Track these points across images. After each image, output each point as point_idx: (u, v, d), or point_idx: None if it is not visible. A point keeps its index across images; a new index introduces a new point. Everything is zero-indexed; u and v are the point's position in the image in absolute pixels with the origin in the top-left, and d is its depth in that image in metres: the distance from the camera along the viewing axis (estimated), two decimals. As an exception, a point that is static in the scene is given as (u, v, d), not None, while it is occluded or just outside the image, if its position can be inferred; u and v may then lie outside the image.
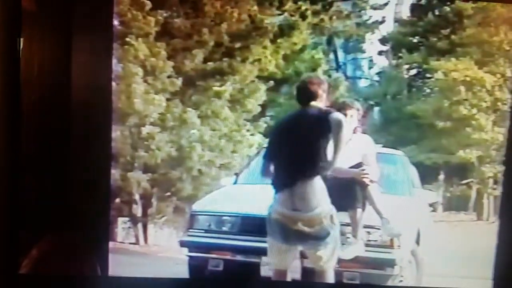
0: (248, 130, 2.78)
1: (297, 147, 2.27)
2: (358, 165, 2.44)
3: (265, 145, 2.69)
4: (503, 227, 2.30)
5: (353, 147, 2.47)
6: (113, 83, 2.59)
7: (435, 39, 2.85)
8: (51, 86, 2.11)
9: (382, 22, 2.73)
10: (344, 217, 2.45)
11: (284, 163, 2.30)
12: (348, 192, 2.42)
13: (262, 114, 2.77)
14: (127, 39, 2.58)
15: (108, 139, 2.25)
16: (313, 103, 2.26)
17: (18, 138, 2.05)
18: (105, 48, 2.19)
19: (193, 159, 2.77)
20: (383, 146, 2.59)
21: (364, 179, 2.42)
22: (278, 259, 2.33)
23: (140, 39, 2.60)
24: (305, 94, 2.27)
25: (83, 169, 2.15)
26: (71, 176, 2.14)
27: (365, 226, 2.47)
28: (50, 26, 2.08)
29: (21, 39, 2.01)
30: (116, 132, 2.66)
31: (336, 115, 2.24)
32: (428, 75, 2.91)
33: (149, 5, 2.57)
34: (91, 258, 1.73)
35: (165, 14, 2.61)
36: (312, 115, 2.26)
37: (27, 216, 2.07)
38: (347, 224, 2.46)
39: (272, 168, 2.33)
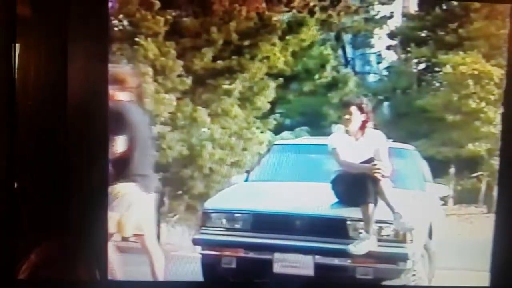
0: (258, 128, 2.78)
1: None
2: (370, 160, 2.44)
3: (275, 142, 2.71)
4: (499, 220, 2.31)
5: (364, 142, 2.47)
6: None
7: (442, 33, 2.84)
8: (47, 91, 2.11)
9: (390, 17, 2.73)
10: (357, 212, 2.45)
11: None
12: (360, 188, 2.42)
13: (271, 111, 2.77)
14: (137, 39, 2.59)
15: (105, 143, 2.24)
16: None
17: (14, 143, 2.04)
18: (101, 53, 2.19)
19: (204, 158, 2.77)
20: (393, 141, 2.59)
21: (376, 174, 2.42)
22: None
23: (149, 38, 2.60)
24: None
25: (80, 173, 2.15)
26: (68, 181, 2.14)
27: (377, 221, 2.46)
28: (45, 31, 2.08)
29: (17, 45, 2.01)
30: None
31: None
32: (436, 69, 2.91)
33: (158, 5, 2.57)
34: (89, 262, 1.72)
35: (174, 14, 2.60)
36: None
37: (25, 221, 2.06)
38: (360, 220, 2.46)
39: None
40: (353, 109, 2.49)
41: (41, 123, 2.10)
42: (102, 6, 2.18)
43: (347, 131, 2.52)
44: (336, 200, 2.50)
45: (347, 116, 2.50)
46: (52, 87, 2.10)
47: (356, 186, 2.41)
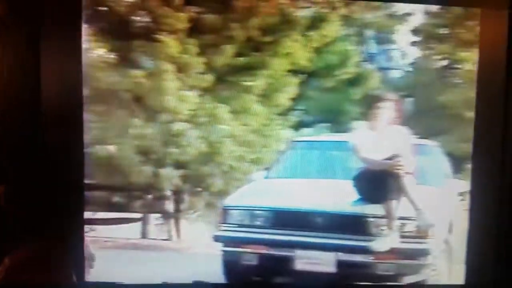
0: (278, 125, 2.77)
1: None
2: (393, 157, 2.43)
3: (295, 139, 2.70)
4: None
5: (388, 138, 2.46)
6: (144, 80, 2.62)
7: (463, 30, 2.82)
8: (20, 91, 2.09)
9: (412, 13, 2.71)
10: (379, 209, 2.45)
11: None
12: (383, 184, 2.41)
13: (292, 108, 2.76)
14: (158, 36, 2.58)
15: (81, 145, 2.23)
16: None
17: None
18: (74, 52, 2.17)
19: (224, 155, 2.77)
20: (416, 137, 2.58)
21: (399, 171, 2.41)
22: None
23: (171, 35, 2.59)
24: None
25: (55, 175, 2.14)
26: (43, 183, 2.12)
27: (400, 218, 2.46)
28: (18, 30, 2.07)
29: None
30: (147, 129, 2.68)
31: None
32: (457, 66, 2.89)
33: (179, 1, 2.57)
34: (66, 266, 1.71)
35: (195, 10, 2.60)
36: None
37: None
38: (382, 217, 2.46)
39: None
40: (381, 104, 2.48)
41: (17, 123, 2.09)
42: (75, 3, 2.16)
43: (370, 127, 2.52)
44: (359, 197, 2.50)
45: (373, 112, 2.49)
46: (26, 86, 2.09)
47: (379, 183, 2.41)
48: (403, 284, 2.47)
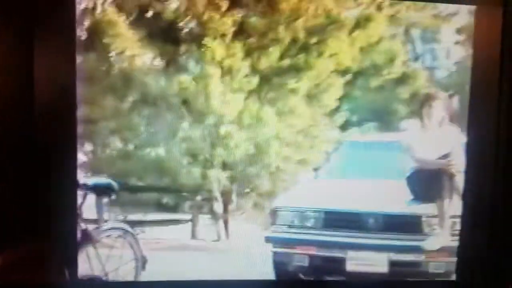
0: (325, 125, 2.78)
1: None
2: (446, 156, 2.43)
3: (345, 139, 2.70)
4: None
5: (440, 137, 2.45)
6: (193, 83, 2.65)
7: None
8: (14, 91, 2.11)
9: (457, 13, 2.69)
10: (432, 208, 2.45)
11: None
12: (436, 184, 2.41)
13: (339, 108, 2.76)
14: (204, 41, 2.61)
15: (74, 143, 2.24)
16: None
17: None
18: (68, 51, 2.18)
19: (271, 156, 2.79)
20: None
21: (451, 170, 2.40)
22: None
23: (217, 40, 2.62)
24: None
25: (48, 174, 2.14)
26: (36, 181, 2.12)
27: (451, 216, 2.46)
28: (11, 30, 2.08)
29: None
30: (195, 132, 2.72)
31: None
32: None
33: (225, 5, 2.59)
34: (58, 264, 1.70)
35: (240, 14, 2.62)
36: None
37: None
38: (434, 216, 2.46)
39: None
40: (435, 103, 2.47)
41: (8, 122, 2.09)
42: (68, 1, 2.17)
43: (422, 126, 2.51)
44: (411, 197, 2.50)
45: (424, 111, 2.49)
46: (19, 87, 2.10)
47: (432, 182, 2.41)
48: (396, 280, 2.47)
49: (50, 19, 2.14)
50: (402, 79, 2.75)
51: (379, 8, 2.64)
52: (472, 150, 2.36)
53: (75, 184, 2.27)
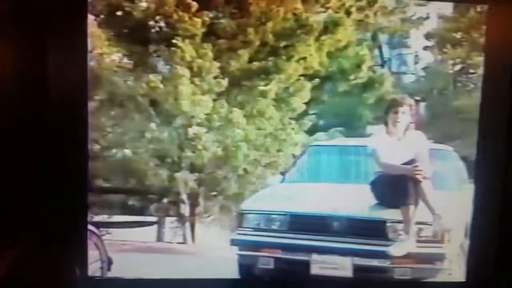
0: (293, 129, 2.78)
1: None
2: (411, 162, 2.44)
3: (311, 143, 2.71)
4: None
5: (406, 143, 2.47)
6: (162, 84, 2.63)
7: (477, 35, 2.82)
8: (26, 90, 2.10)
9: (426, 18, 2.72)
10: (397, 214, 2.45)
11: None
12: (401, 189, 2.42)
13: (306, 112, 2.77)
14: (174, 41, 2.60)
15: (85, 140, 2.24)
16: None
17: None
18: (80, 52, 2.18)
19: (239, 158, 2.78)
20: (433, 142, 2.58)
21: (417, 176, 2.41)
22: None
23: (186, 40, 2.61)
24: None
25: (60, 173, 2.14)
26: (47, 177, 2.12)
27: (417, 223, 2.46)
28: (24, 28, 2.07)
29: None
30: (163, 133, 2.70)
31: None
32: (471, 71, 2.89)
33: (195, 6, 2.58)
34: (69, 260, 1.69)
35: (211, 15, 2.61)
36: None
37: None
38: (399, 221, 2.46)
39: None
40: (401, 109, 2.48)
41: (18, 121, 2.08)
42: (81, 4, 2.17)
43: (388, 132, 2.52)
44: (376, 201, 2.50)
45: (391, 116, 2.50)
46: (32, 85, 2.09)
47: (397, 188, 2.42)
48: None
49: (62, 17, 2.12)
50: (369, 84, 2.77)
51: (348, 12, 2.65)
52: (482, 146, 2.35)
53: (86, 182, 2.25)
